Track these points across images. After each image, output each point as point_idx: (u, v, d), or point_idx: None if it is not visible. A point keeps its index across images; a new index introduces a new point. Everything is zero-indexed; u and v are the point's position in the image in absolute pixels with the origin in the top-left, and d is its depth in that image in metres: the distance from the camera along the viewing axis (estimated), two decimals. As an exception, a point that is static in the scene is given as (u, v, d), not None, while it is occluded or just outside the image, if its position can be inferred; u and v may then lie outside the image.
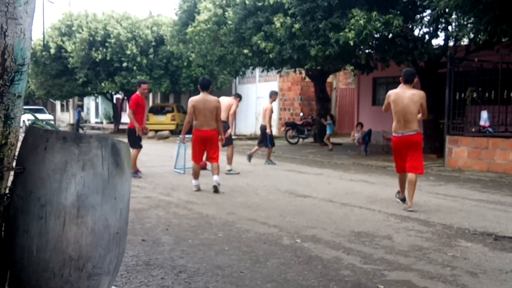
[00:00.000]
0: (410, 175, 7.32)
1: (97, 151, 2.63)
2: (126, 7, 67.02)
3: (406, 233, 5.89)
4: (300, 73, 21.21)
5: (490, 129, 12.55)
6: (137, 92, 10.70)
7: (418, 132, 7.40)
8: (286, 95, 25.83)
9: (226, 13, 15.97)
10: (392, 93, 7.48)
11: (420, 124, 15.91)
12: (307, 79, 21.60)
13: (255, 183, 9.85)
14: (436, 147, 14.71)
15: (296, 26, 13.26)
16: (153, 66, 25.84)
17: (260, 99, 27.23)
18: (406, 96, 7.31)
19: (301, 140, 21.11)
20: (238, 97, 12.65)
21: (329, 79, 24.23)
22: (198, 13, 17.76)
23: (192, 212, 6.93)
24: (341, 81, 26.58)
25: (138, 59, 25.19)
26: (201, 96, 8.74)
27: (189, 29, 17.66)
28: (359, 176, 11.20)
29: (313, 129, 21.08)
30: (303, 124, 21.39)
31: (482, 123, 12.61)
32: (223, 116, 10.21)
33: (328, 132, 18.36)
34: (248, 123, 27.89)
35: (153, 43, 25.58)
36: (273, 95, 13.57)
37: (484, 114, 12.53)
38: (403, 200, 7.63)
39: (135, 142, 10.52)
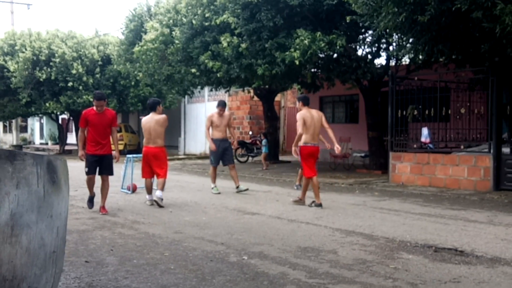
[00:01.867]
0: (315, 179, 9.23)
1: (32, 169, 2.58)
2: (72, 26, 65.93)
3: (351, 247, 6.00)
4: (249, 92, 21.39)
5: (430, 145, 13.01)
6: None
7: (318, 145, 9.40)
8: (235, 114, 25.94)
9: (173, 32, 15.97)
10: (303, 114, 9.15)
11: (365, 141, 16.42)
12: (256, 98, 21.80)
13: (203, 201, 9.80)
14: (381, 164, 15.12)
15: (243, 45, 13.42)
16: (100, 86, 25.41)
17: (209, 118, 27.23)
18: (313, 115, 9.24)
19: (250, 158, 21.20)
20: (219, 105, 11.34)
21: (277, 98, 24.55)
22: (145, 33, 17.67)
23: (138, 232, 6.83)
24: (289, 100, 26.97)
25: (84, 78, 24.72)
26: (150, 116, 9.53)
27: (136, 49, 17.54)
28: (308, 193, 11.29)
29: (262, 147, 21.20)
30: (252, 142, 21.52)
31: (423, 139, 13.06)
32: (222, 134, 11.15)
33: (263, 151, 18.25)
34: (198, 142, 27.80)
35: (100, 63, 25.21)
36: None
37: (425, 131, 12.99)
38: (320, 205, 9.09)
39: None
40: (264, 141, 18.34)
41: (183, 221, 7.67)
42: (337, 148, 9.54)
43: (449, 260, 5.41)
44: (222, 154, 11.21)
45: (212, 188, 11.22)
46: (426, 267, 5.14)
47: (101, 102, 8.31)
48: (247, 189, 11.19)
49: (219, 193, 10.99)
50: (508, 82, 11.63)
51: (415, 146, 13.34)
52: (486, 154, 11.36)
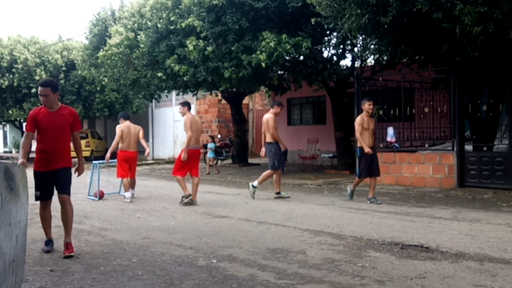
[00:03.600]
0: (197, 178, 9.96)
1: (-12, 176, 2.51)
2: (34, 31, 64.69)
3: (319, 247, 6.04)
4: (216, 95, 21.36)
5: (396, 145, 13.22)
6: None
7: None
8: (203, 117, 25.86)
9: (138, 36, 15.82)
10: (190, 118, 9.88)
11: (332, 142, 16.57)
12: (224, 101, 21.79)
13: (172, 206, 9.72)
14: (349, 164, 15.28)
15: (209, 48, 13.39)
16: (64, 92, 24.98)
17: (177, 122, 27.07)
18: (197, 120, 10.11)
19: (219, 161, 21.14)
20: (278, 105, 10.82)
21: (245, 101, 24.59)
22: (110, 37, 17.46)
23: (105, 239, 6.72)
24: (257, 103, 27.06)
25: (48, 84, 24.23)
26: (127, 124, 10.89)
27: (101, 53, 17.30)
28: (275, 194, 11.35)
29: (231, 150, 21.20)
30: (221, 145, 21.46)
31: (388, 139, 13.26)
32: (267, 137, 10.74)
33: (209, 155, 17.84)
34: (166, 147, 27.60)
35: (64, 68, 24.79)
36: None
37: (390, 130, 13.19)
38: (189, 196, 9.81)
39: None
40: (211, 145, 17.87)
41: (151, 227, 7.59)
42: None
43: (415, 257, 5.50)
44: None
45: (278, 193, 10.73)
46: (393, 264, 5.21)
47: (46, 90, 5.91)
48: (288, 197, 10.67)
49: (288, 197, 10.66)
50: (469, 81, 11.92)
51: (381, 145, 13.51)
52: (450, 152, 11.60)
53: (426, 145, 12.86)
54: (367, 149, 9.43)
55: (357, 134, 9.60)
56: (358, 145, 9.73)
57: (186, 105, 10.15)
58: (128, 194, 10.59)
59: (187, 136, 9.78)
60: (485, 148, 11.29)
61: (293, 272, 4.98)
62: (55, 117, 6.00)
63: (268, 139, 10.66)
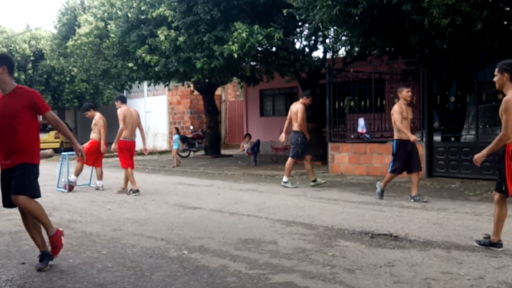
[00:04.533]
0: (130, 169, 10.21)
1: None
2: (0, 20, 63.15)
3: (291, 237, 6.08)
4: (189, 86, 21.22)
5: (367, 135, 13.37)
6: None
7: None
8: (175, 108, 25.68)
9: (108, 26, 15.59)
10: (123, 111, 10.12)
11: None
12: (196, 92, 21.66)
13: (143, 198, 9.65)
14: (321, 154, 15.39)
15: (181, 39, 13.27)
16: (33, 82, 24.52)
17: (149, 113, 26.84)
18: (132, 112, 10.30)
19: (192, 153, 21.06)
20: (307, 96, 10.84)
21: (218, 92, 24.49)
22: (79, 26, 17.17)
23: (74, 231, 6.64)
24: (230, 94, 26.99)
25: (16, 74, 23.75)
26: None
27: (70, 43, 17.00)
28: (249, 185, 11.40)
29: (203, 141, 21.13)
30: (194, 137, 21.39)
31: (359, 130, 13.40)
32: (295, 126, 10.76)
33: (174, 147, 17.42)
34: (137, 138, 27.29)
35: (32, 58, 24.32)
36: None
37: (361, 122, 13.33)
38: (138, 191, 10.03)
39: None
40: (175, 137, 17.47)
41: (122, 218, 7.52)
42: (145, 149, 10.95)
43: (384, 245, 5.58)
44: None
45: (286, 182, 10.76)
46: (363, 253, 5.29)
47: None
48: (325, 182, 10.88)
49: (296, 187, 10.67)
50: (438, 73, 12.11)
51: (352, 136, 13.67)
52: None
53: (396, 136, 13.02)
54: (413, 137, 8.50)
55: (398, 123, 8.53)
56: (396, 137, 8.71)
57: (120, 99, 10.36)
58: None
59: (119, 129, 10.03)
60: (453, 139, 11.51)
61: (264, 262, 5.01)
62: (7, 102, 4.81)
63: (296, 127, 10.75)
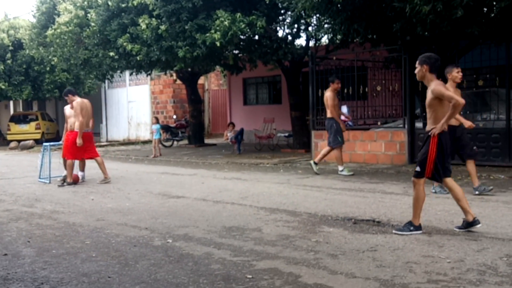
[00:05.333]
0: (99, 158, 10.52)
1: None
2: (-21, 9, 61.90)
3: (275, 224, 6.12)
4: (171, 75, 21.09)
5: (350, 123, 13.43)
6: None
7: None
8: (158, 98, 25.54)
9: (89, 14, 15.37)
10: (80, 103, 10.18)
11: (288, 121, 16.68)
12: (179, 81, 21.54)
13: (126, 187, 9.61)
14: (304, 142, 15.45)
15: (162, 27, 13.16)
16: (12, 72, 24.14)
17: (131, 103, 26.65)
18: (87, 104, 10.38)
19: (175, 142, 21.00)
20: (333, 82, 10.69)
21: (201, 81, 24.39)
22: (58, 15, 16.90)
23: (57, 222, 6.59)
24: (213, 83, 26.89)
25: (-5, 65, 23.40)
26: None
27: (49, 32, 16.74)
28: (233, 174, 11.41)
29: (187, 131, 21.07)
30: (177, 126, 21.31)
31: (342, 117, 13.42)
32: (328, 113, 10.64)
33: (155, 137, 16.89)
34: (121, 128, 27.16)
35: (11, 48, 23.89)
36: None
37: (344, 109, 13.36)
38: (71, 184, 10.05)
39: None
40: (155, 127, 16.95)
41: (106, 208, 7.49)
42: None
43: (367, 231, 5.64)
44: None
45: (342, 171, 10.58)
46: (346, 239, 5.34)
47: None
48: (352, 174, 10.50)
49: (352, 174, 10.49)
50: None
51: (335, 124, 13.70)
52: (401, 130, 11.89)
53: (379, 123, 13.12)
54: (468, 123, 7.80)
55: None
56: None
57: (70, 93, 10.47)
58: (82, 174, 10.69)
59: (78, 122, 10.01)
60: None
61: (248, 249, 5.03)
62: None
63: (328, 114, 10.69)
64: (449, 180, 5.54)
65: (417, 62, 5.50)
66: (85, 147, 10.21)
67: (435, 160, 5.39)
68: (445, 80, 7.15)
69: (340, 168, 10.64)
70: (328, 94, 10.65)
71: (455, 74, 7.56)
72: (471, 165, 7.86)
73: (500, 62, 10.45)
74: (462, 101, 5.26)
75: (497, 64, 10.84)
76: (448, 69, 7.71)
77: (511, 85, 10.51)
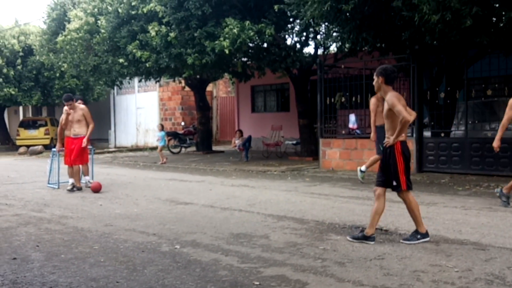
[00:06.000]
0: (77, 167, 10.24)
1: None
2: (-10, 15, 62.58)
3: (282, 231, 6.13)
4: (180, 82, 21.18)
5: (358, 131, 13.43)
6: None
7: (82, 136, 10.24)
8: (166, 105, 25.64)
9: (99, 21, 15.50)
10: (87, 108, 10.39)
11: (296, 129, 16.69)
12: (187, 88, 21.63)
13: (135, 193, 9.65)
14: (312, 150, 15.44)
15: (172, 34, 13.25)
16: (22, 78, 24.35)
17: (140, 109, 26.77)
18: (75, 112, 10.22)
19: (183, 149, 21.06)
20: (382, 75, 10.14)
21: (209, 88, 24.47)
22: (69, 22, 17.05)
23: (66, 227, 6.64)
24: (221, 90, 26.98)
25: (5, 70, 23.61)
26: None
27: (60, 38, 16.89)
28: (240, 181, 11.43)
29: (195, 138, 21.12)
30: (185, 133, 21.37)
31: (350, 125, 13.46)
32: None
33: (160, 144, 16.80)
34: (129, 134, 27.27)
35: (21, 54, 24.11)
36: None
37: (352, 117, 13.39)
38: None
39: None
40: (161, 134, 16.85)
41: (114, 214, 7.53)
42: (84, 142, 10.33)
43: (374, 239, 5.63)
44: None
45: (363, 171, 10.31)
46: (353, 247, 5.34)
47: None
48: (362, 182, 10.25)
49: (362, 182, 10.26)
50: (428, 69, 12.18)
51: (343, 132, 13.73)
52: (409, 138, 11.84)
53: (387, 132, 13.09)
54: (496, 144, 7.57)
55: None
56: None
57: (70, 99, 10.27)
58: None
59: (91, 126, 10.31)
60: (442, 134, 11.59)
61: (256, 256, 5.05)
62: None
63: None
64: (382, 191, 5.64)
65: (375, 74, 5.59)
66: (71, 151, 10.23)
67: (404, 170, 5.48)
68: None
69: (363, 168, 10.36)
70: (370, 100, 10.06)
71: None
72: None
73: (508, 72, 10.45)
74: (408, 118, 5.31)
75: (506, 74, 10.83)
76: None
77: (520, 94, 10.49)
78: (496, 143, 7.54)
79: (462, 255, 4.89)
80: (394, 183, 5.52)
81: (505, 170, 10.37)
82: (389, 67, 5.62)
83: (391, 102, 5.38)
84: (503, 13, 8.70)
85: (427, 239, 5.47)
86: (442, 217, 6.77)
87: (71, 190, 10.00)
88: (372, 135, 10.04)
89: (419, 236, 5.46)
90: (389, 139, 5.51)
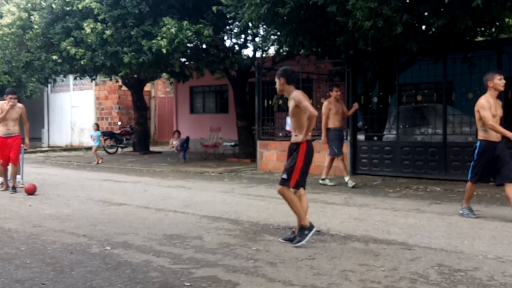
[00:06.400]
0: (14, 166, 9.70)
1: None
2: None
3: (216, 232, 6.12)
4: (117, 81, 20.75)
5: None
6: None
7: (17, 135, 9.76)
8: (103, 104, 25.04)
9: (32, 17, 14.95)
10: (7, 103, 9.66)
11: (234, 131, 16.74)
12: (124, 87, 21.22)
13: (66, 194, 9.37)
14: (250, 152, 15.54)
15: (108, 32, 12.97)
16: (-51, 74, 23.08)
17: (75, 108, 26.01)
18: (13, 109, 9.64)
19: (120, 149, 20.63)
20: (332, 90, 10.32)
21: (148, 88, 24.12)
22: (1, 17, 16.36)
23: (-10, 229, 6.35)
24: (159, 90, 26.65)
25: None
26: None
27: (-10, 33, 16.15)
28: (177, 182, 11.33)
29: (132, 138, 20.75)
30: (122, 133, 20.95)
31: (287, 128, 13.64)
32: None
33: (95, 144, 16.48)
34: (63, 133, 26.41)
35: None
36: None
37: (289, 120, 13.52)
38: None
39: None
40: (96, 134, 16.53)
41: (43, 215, 7.27)
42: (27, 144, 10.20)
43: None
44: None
45: (347, 182, 10.16)
46: (286, 247, 5.41)
47: None
48: (354, 184, 10.10)
49: (334, 185, 10.29)
50: (362, 74, 12.54)
51: (280, 134, 13.89)
52: (344, 141, 12.15)
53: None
54: (509, 133, 6.61)
55: (490, 123, 6.58)
56: (481, 137, 6.80)
57: (15, 92, 9.93)
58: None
59: (28, 125, 10.08)
60: (375, 138, 11.96)
61: (188, 257, 5.02)
62: None
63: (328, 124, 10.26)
64: (303, 191, 5.72)
65: (276, 77, 5.61)
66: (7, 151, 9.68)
67: (302, 169, 5.52)
68: (484, 89, 6.81)
69: (323, 177, 10.51)
70: (323, 104, 10.33)
71: (497, 81, 6.69)
72: (510, 189, 6.66)
73: (437, 79, 10.89)
74: (315, 112, 5.28)
75: (435, 80, 11.30)
76: (488, 76, 6.80)
77: (447, 101, 10.98)
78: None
79: (389, 255, 5.06)
80: (284, 176, 5.53)
81: (434, 173, 10.82)
82: (288, 68, 5.63)
83: (297, 99, 5.40)
84: (432, 21, 9.09)
85: (314, 229, 5.55)
86: (373, 218, 6.98)
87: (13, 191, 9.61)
88: (324, 138, 10.35)
89: (306, 232, 5.49)
90: (297, 137, 5.51)
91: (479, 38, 12.64)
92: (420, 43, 9.65)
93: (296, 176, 5.53)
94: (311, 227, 5.55)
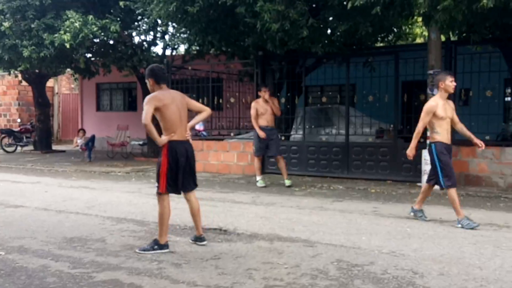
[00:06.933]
0: None
1: None
2: None
3: (120, 234, 5.97)
4: (16, 76, 19.58)
5: (204, 133, 13.61)
6: None
7: None
8: (1, 99, 23.56)
9: None
10: None
11: (143, 129, 16.38)
12: (25, 82, 20.10)
13: (-44, 197, 8.72)
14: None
15: (6, 24, 12.24)
16: None
17: (-31, 104, 24.24)
18: None
19: (19, 148, 19.51)
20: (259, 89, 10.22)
21: (51, 84, 23.02)
22: None
23: None
24: (64, 86, 25.53)
25: None
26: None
27: None
28: (80, 182, 10.91)
29: (32, 136, 19.70)
30: (21, 131, 19.82)
31: (197, 127, 13.57)
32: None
33: None
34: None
35: None
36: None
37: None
38: None
39: None
40: None
41: None
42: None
43: (213, 239, 5.74)
44: (268, 144, 10.01)
45: (257, 181, 10.17)
46: (191, 248, 5.38)
47: None
48: (290, 186, 10.05)
49: (265, 186, 10.03)
50: (271, 75, 12.76)
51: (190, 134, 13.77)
52: (253, 141, 12.30)
53: (232, 134, 13.46)
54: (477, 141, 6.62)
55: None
56: (433, 139, 6.53)
57: None
58: None
59: None
60: (283, 138, 12.20)
61: (89, 260, 4.85)
62: None
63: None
64: (189, 195, 5.58)
65: (145, 77, 5.36)
66: None
67: (167, 173, 5.27)
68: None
69: (258, 178, 10.39)
70: (252, 104, 10.25)
71: (449, 83, 6.47)
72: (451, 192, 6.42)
73: (341, 81, 11.33)
74: (144, 121, 5.01)
75: (339, 83, 11.75)
76: (440, 77, 6.60)
77: (350, 103, 11.44)
78: (411, 152, 6.56)
79: (293, 252, 5.19)
80: (156, 184, 5.34)
81: (337, 172, 11.23)
82: (155, 67, 5.34)
83: (146, 101, 5.09)
84: (335, 25, 9.42)
85: (166, 251, 5.17)
86: (279, 216, 7.11)
87: None
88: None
89: (156, 247, 5.18)
90: (162, 139, 5.29)
91: (380, 44, 13.31)
92: (325, 47, 9.98)
93: (163, 181, 5.26)
94: (165, 245, 5.20)
